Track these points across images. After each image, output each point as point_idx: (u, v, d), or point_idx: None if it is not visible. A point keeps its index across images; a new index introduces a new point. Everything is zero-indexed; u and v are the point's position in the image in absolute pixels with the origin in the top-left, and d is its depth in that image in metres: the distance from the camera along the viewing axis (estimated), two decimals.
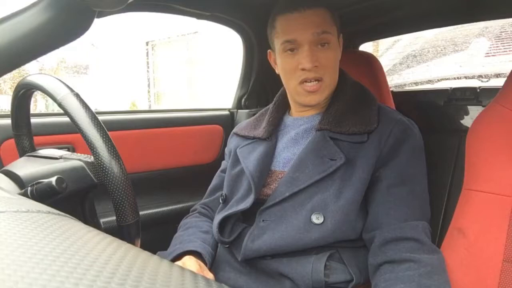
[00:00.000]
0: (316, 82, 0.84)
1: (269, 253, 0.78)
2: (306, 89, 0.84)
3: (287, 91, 0.92)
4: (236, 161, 0.93)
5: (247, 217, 0.85)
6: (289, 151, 0.87)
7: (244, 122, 1.04)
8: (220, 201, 0.93)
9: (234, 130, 1.03)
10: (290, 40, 0.83)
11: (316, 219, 0.76)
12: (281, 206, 0.80)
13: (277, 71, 0.93)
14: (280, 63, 0.88)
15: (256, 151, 0.90)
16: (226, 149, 1.05)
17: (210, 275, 0.80)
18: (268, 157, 0.88)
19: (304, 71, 0.83)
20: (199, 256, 0.84)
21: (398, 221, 0.74)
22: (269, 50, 0.94)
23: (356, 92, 0.89)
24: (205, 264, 0.83)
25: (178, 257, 0.83)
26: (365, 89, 0.91)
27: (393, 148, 0.79)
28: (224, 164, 1.04)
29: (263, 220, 0.80)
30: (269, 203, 0.81)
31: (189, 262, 0.80)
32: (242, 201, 0.85)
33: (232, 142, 1.00)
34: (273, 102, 0.99)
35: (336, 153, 0.79)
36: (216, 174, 1.05)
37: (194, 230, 0.91)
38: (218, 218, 0.87)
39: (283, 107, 0.97)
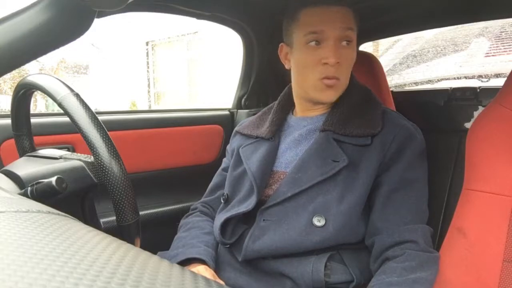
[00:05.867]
0: (335, 79, 0.82)
1: (269, 254, 0.78)
2: (325, 84, 0.82)
3: (299, 86, 0.89)
4: (238, 161, 0.93)
5: (248, 217, 0.84)
6: (291, 151, 0.87)
7: (246, 120, 1.03)
8: (222, 200, 0.92)
9: (237, 128, 1.02)
10: (316, 31, 0.81)
11: (318, 221, 0.76)
12: (283, 206, 0.80)
13: (287, 66, 0.91)
14: (299, 56, 0.85)
15: (259, 151, 0.89)
16: (228, 146, 1.04)
17: (222, 283, 0.80)
18: (271, 158, 0.88)
19: (326, 66, 0.81)
20: (203, 263, 0.83)
21: (397, 226, 0.75)
22: (281, 44, 0.91)
23: (362, 95, 0.89)
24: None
25: (183, 262, 0.82)
26: (370, 92, 0.91)
27: (396, 153, 0.79)
28: (225, 162, 1.04)
29: (263, 220, 0.80)
30: (270, 202, 0.81)
31: (204, 272, 0.79)
32: (244, 202, 0.85)
33: (235, 141, 1.00)
34: (277, 102, 0.98)
35: (339, 154, 0.79)
36: (217, 172, 1.04)
37: (196, 232, 0.90)
38: (220, 219, 0.87)
39: (287, 107, 0.96)
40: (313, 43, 0.81)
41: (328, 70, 0.81)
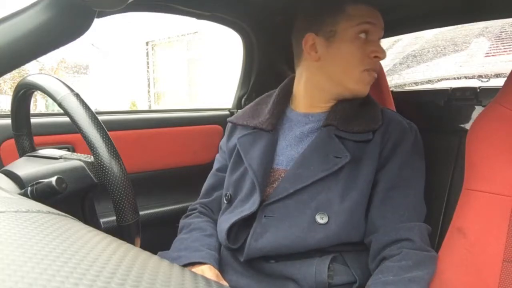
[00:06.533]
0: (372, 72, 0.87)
1: (272, 253, 0.78)
2: (371, 78, 0.86)
3: (331, 78, 0.86)
4: (238, 160, 0.91)
5: (251, 219, 0.83)
6: (292, 149, 0.86)
7: (239, 112, 1.00)
8: (225, 201, 0.91)
9: (231, 119, 0.98)
10: (370, 22, 0.83)
11: (320, 218, 0.75)
12: (284, 203, 0.79)
13: (312, 58, 0.86)
14: (344, 48, 0.83)
15: (258, 145, 0.87)
16: (221, 143, 1.01)
17: (224, 283, 0.79)
18: (271, 153, 0.87)
19: (373, 59, 0.85)
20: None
21: (394, 223, 0.75)
22: (308, 34, 0.86)
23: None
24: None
25: (185, 266, 0.81)
26: (369, 94, 0.91)
27: (392, 149, 0.80)
28: (219, 161, 1.00)
29: (265, 216, 0.79)
30: (272, 199, 0.80)
31: (208, 273, 0.78)
32: (246, 202, 0.84)
33: (233, 138, 0.95)
34: (276, 93, 0.95)
35: (341, 150, 0.79)
36: (211, 173, 1.01)
37: (198, 235, 0.88)
38: (225, 222, 0.85)
39: (286, 99, 0.95)
40: (363, 35, 0.83)
41: (374, 62, 0.85)
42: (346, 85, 0.85)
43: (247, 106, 1.00)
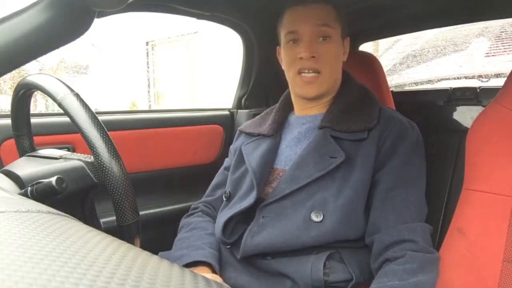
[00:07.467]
0: (314, 73, 0.85)
1: (268, 250, 0.78)
2: (303, 80, 0.86)
3: (290, 84, 0.93)
4: (240, 160, 0.94)
5: (248, 217, 0.84)
6: (291, 149, 0.88)
7: (249, 121, 1.06)
8: (224, 198, 0.93)
9: (240, 128, 1.04)
10: (292, 31, 0.86)
11: (316, 217, 0.76)
12: (281, 203, 0.80)
13: (283, 67, 0.94)
14: (283, 55, 0.91)
15: (260, 148, 0.91)
16: (231, 146, 1.06)
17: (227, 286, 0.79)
18: (271, 154, 0.89)
19: (301, 60, 0.84)
20: (209, 265, 0.82)
21: (396, 224, 0.75)
22: (278, 47, 0.96)
23: (360, 94, 0.90)
24: (215, 272, 0.82)
25: (188, 265, 0.81)
26: (367, 90, 0.92)
27: (391, 147, 0.80)
28: (227, 161, 1.04)
29: (263, 217, 0.81)
30: (269, 200, 0.81)
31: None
32: (244, 199, 0.85)
33: (239, 140, 1.01)
34: (279, 102, 1.00)
35: (336, 151, 0.80)
36: (219, 171, 1.05)
37: (200, 233, 0.90)
38: (222, 218, 0.87)
39: (288, 107, 0.98)
40: (291, 42, 0.87)
41: (303, 63, 0.85)
42: (293, 89, 0.92)
43: (257, 116, 1.06)
